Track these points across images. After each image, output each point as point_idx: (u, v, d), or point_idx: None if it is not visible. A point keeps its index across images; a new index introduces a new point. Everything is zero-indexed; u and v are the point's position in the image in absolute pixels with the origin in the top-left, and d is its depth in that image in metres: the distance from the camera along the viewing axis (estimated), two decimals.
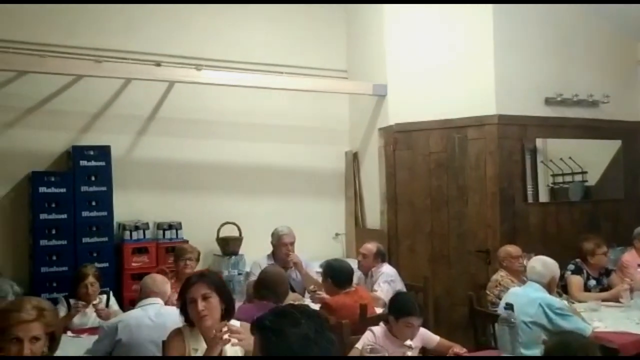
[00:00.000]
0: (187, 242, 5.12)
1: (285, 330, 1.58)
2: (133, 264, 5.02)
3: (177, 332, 2.57)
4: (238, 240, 5.52)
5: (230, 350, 2.53)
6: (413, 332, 2.93)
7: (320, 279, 4.60)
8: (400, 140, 5.59)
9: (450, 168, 5.38)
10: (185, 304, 2.54)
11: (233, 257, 5.44)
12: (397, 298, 3.09)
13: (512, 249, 4.39)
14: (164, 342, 2.86)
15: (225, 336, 2.39)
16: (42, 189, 4.69)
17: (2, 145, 4.86)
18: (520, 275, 4.27)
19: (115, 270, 4.94)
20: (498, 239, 5.06)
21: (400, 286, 4.37)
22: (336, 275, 3.70)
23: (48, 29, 4.96)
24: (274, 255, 4.81)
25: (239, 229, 5.51)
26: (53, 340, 2.27)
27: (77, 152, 4.87)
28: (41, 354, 2.23)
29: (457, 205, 5.33)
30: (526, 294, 3.53)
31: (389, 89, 5.68)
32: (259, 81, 5.43)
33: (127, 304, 4.63)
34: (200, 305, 2.47)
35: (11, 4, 4.83)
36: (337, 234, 6.35)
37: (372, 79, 5.80)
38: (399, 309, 2.95)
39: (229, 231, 5.52)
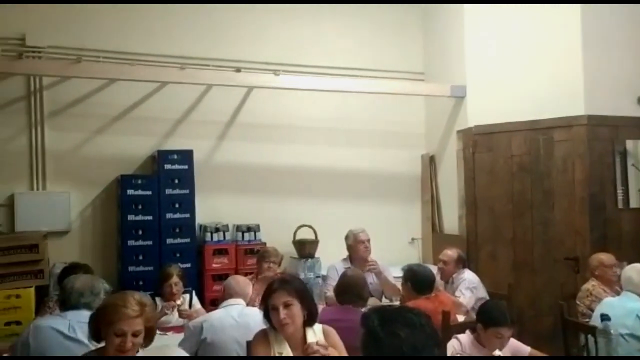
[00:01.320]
0: (264, 244, 5.20)
1: (394, 330, 1.53)
2: (214, 265, 5.15)
3: (263, 335, 2.59)
4: (314, 243, 5.54)
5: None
6: (502, 343, 2.81)
7: (397, 284, 4.57)
8: (480, 143, 5.42)
9: (534, 171, 5.16)
10: (268, 309, 2.55)
11: (309, 259, 5.45)
12: (487, 306, 2.97)
13: (605, 257, 4.14)
14: (248, 343, 2.91)
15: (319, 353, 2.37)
16: (130, 192, 4.89)
17: (94, 150, 5.13)
18: (613, 285, 4.02)
19: (196, 270, 5.07)
20: (588, 246, 4.79)
21: (482, 293, 4.23)
22: (417, 279, 3.62)
23: (135, 38, 5.18)
24: (350, 258, 4.78)
25: (314, 232, 5.53)
26: (148, 334, 2.38)
27: (161, 156, 5.05)
28: (139, 347, 2.34)
29: (542, 210, 5.10)
30: (622, 305, 3.32)
31: (468, 90, 5.53)
32: (335, 85, 5.44)
33: (207, 304, 4.76)
34: (282, 313, 2.48)
35: (101, 16, 5.09)
36: (412, 239, 6.25)
37: (450, 80, 5.67)
38: (488, 318, 2.84)
39: (305, 234, 5.55)
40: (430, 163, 6.14)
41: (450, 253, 4.44)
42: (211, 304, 4.87)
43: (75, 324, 2.80)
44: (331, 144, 5.90)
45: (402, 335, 1.52)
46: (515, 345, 2.92)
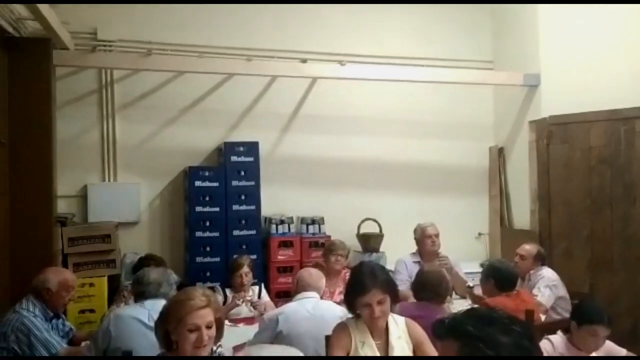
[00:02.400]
0: (329, 237, 5.14)
1: (496, 339, 1.40)
2: (279, 257, 5.13)
3: (343, 327, 2.55)
4: (379, 237, 5.44)
5: (397, 344, 2.46)
6: (597, 343, 2.65)
7: (467, 280, 4.42)
8: (555, 134, 5.17)
9: (614, 164, 4.88)
10: (354, 303, 2.49)
11: (374, 253, 5.36)
12: (583, 303, 2.81)
13: None
14: (327, 337, 2.84)
15: None
16: (198, 183, 4.92)
17: (162, 142, 5.19)
18: None
19: (262, 262, 5.07)
20: None
21: (562, 292, 4.02)
22: (500, 276, 3.47)
23: (203, 31, 5.20)
24: (419, 252, 4.66)
25: (379, 226, 5.43)
26: (218, 328, 2.29)
27: (228, 148, 5.06)
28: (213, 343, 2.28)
29: (622, 205, 4.82)
30: None
31: (542, 79, 5.29)
32: (402, 74, 5.30)
33: (273, 296, 4.74)
34: (377, 311, 2.46)
35: (169, 10, 5.13)
36: (479, 234, 6.06)
37: (522, 68, 5.44)
38: (583, 315, 2.69)
39: (369, 228, 5.46)
40: (499, 155, 5.91)
41: (529, 248, 4.23)
42: (277, 296, 4.87)
43: (154, 313, 2.79)
44: (396, 136, 5.78)
45: (502, 340, 1.39)
46: (610, 348, 2.74)
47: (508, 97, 5.73)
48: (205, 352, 2.21)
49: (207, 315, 2.19)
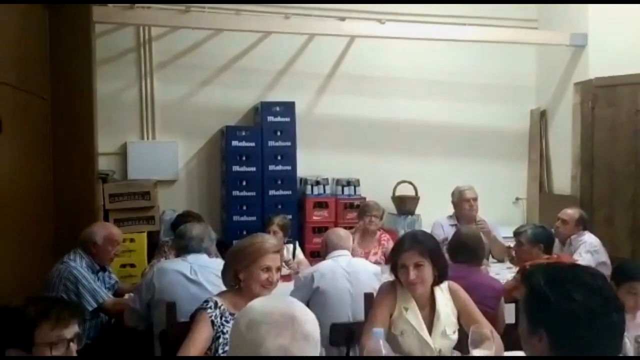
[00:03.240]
0: (364, 199, 5.12)
1: (572, 295, 1.35)
2: (314, 218, 5.16)
3: (390, 287, 2.49)
4: (415, 199, 5.40)
5: (442, 310, 2.42)
6: (637, 302, 2.58)
7: (504, 244, 4.37)
8: (601, 97, 4.99)
9: None
10: (396, 265, 2.45)
11: (409, 216, 5.34)
12: (623, 263, 2.75)
13: None
14: (366, 294, 2.85)
15: None
16: (235, 143, 4.94)
17: (199, 101, 5.20)
18: None
19: (297, 222, 5.09)
20: None
21: (604, 258, 3.92)
22: (548, 239, 3.42)
23: None
24: (456, 216, 4.61)
25: (415, 189, 5.38)
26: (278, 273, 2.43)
27: (264, 108, 5.05)
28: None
29: None
30: None
31: (589, 39, 5.08)
32: (442, 33, 5.15)
33: (308, 256, 4.77)
34: (412, 274, 2.35)
35: None
36: (517, 199, 5.96)
37: (568, 27, 5.23)
38: (623, 274, 2.62)
39: (404, 190, 5.42)
40: (541, 118, 5.75)
41: (572, 212, 4.13)
42: (311, 255, 4.90)
43: (196, 268, 2.87)
44: (435, 98, 5.66)
45: (578, 298, 1.34)
46: None
47: (553, 58, 5.54)
48: (269, 293, 2.32)
49: (277, 260, 2.36)
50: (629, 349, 2.10)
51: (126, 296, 3.36)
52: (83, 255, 3.24)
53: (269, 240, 2.40)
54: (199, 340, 2.19)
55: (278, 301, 1.36)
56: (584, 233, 4.07)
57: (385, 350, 1.79)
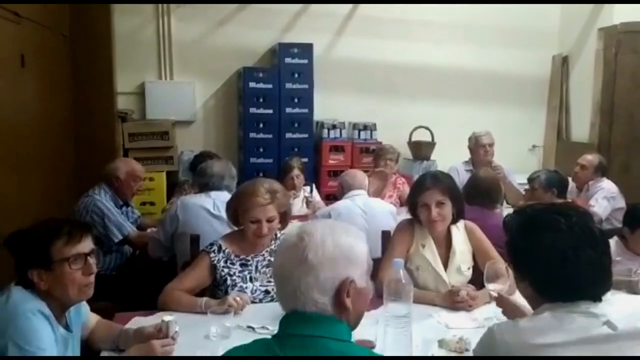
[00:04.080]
0: (380, 143, 5.13)
1: (539, 238, 1.38)
2: (330, 161, 5.19)
3: (408, 224, 2.54)
4: (431, 145, 5.40)
5: (458, 247, 2.47)
6: None
7: (520, 190, 4.39)
8: (625, 43, 4.88)
9: None
10: (415, 205, 2.48)
11: (425, 162, 5.35)
12: (636, 208, 2.75)
13: None
14: (383, 232, 2.91)
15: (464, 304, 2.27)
16: (252, 84, 4.93)
17: (217, 41, 5.16)
18: None
19: (313, 166, 5.14)
20: None
21: (621, 204, 3.93)
22: (563, 184, 3.44)
23: None
24: (472, 161, 4.62)
25: (431, 134, 5.38)
26: (283, 219, 2.42)
27: (282, 49, 5.00)
28: (277, 231, 2.41)
29: None
30: None
31: None
32: None
33: (323, 198, 4.83)
34: (434, 212, 2.38)
35: None
36: (534, 146, 5.94)
37: None
38: (635, 218, 2.64)
39: (421, 135, 5.41)
40: (563, 64, 5.66)
41: (591, 158, 4.12)
42: (326, 198, 4.96)
43: (219, 203, 2.93)
44: (455, 42, 5.57)
45: (547, 242, 1.37)
46: None
47: (576, 3, 5.38)
48: (266, 240, 2.36)
49: (269, 211, 2.30)
50: None
51: (149, 230, 3.46)
52: (107, 189, 3.32)
53: (262, 192, 2.31)
54: (191, 279, 2.27)
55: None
56: (602, 179, 4.07)
57: (404, 279, 1.85)
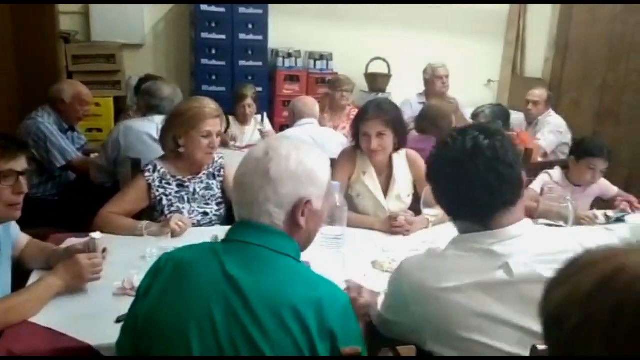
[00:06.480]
0: (336, 74, 5.05)
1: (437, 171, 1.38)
2: (285, 91, 5.11)
3: (350, 151, 2.55)
4: (387, 77, 5.37)
5: (399, 175, 2.50)
6: (594, 177, 2.71)
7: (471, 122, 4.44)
8: None
9: (639, 12, 4.63)
10: (358, 133, 2.48)
11: (380, 94, 5.32)
12: (584, 139, 2.83)
13: None
14: (330, 160, 2.91)
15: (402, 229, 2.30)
16: (204, 7, 4.72)
17: None
18: None
19: (268, 95, 5.05)
20: None
21: (567, 139, 4.04)
22: (508, 116, 3.49)
23: None
24: (426, 93, 4.62)
25: (388, 66, 5.32)
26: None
27: None
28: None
29: None
30: None
31: None
32: None
33: (277, 129, 4.79)
34: (374, 142, 2.39)
35: None
36: (489, 81, 5.97)
37: None
38: (583, 149, 2.72)
39: (377, 67, 5.36)
40: None
41: (540, 93, 4.17)
42: (280, 129, 4.92)
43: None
44: None
45: (441, 158, 1.35)
46: (604, 184, 2.82)
47: None
48: (210, 159, 2.33)
49: (218, 125, 2.30)
50: (570, 213, 2.19)
51: (92, 156, 3.37)
52: (51, 112, 3.21)
53: (209, 104, 2.30)
54: (127, 200, 2.24)
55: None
56: (551, 113, 4.15)
57: (339, 202, 1.87)
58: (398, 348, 2.49)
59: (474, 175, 1.28)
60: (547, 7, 5.17)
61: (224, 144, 3.68)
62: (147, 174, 2.28)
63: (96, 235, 1.78)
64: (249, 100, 4.18)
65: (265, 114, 4.48)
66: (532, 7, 5.53)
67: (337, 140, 3.42)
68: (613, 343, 0.56)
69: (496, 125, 1.46)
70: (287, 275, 1.17)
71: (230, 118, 4.23)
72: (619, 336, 0.56)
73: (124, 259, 1.88)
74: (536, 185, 2.73)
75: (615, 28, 4.75)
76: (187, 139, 2.26)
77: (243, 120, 4.25)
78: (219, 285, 1.12)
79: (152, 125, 2.89)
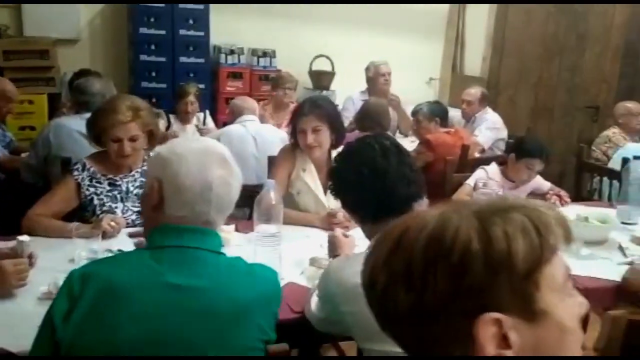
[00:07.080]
0: (279, 71, 5.03)
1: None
2: (228, 88, 5.03)
3: (290, 149, 2.54)
4: (330, 74, 5.38)
5: None
6: (530, 176, 2.81)
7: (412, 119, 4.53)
8: None
9: (570, 12, 4.84)
10: (295, 130, 2.47)
11: (324, 91, 5.34)
12: (525, 137, 2.94)
13: (633, 106, 4.03)
14: (270, 157, 2.90)
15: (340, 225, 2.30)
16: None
17: None
18: (634, 135, 3.98)
19: (210, 92, 4.97)
20: (612, 96, 4.67)
21: (503, 135, 4.18)
22: (445, 113, 3.58)
23: None
24: (369, 91, 4.67)
25: (332, 64, 5.34)
26: (152, 138, 2.29)
27: None
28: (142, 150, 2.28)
29: (572, 56, 4.88)
30: None
31: None
32: None
33: (219, 126, 4.73)
34: (310, 138, 2.39)
35: None
36: (430, 79, 6.07)
37: None
38: (524, 149, 2.80)
39: (321, 65, 5.36)
40: None
41: (474, 92, 4.30)
42: (224, 126, 4.85)
43: None
44: None
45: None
46: (537, 180, 2.92)
47: None
48: (130, 161, 2.24)
49: (131, 130, 2.17)
50: None
51: (23, 155, 3.24)
52: None
53: (122, 110, 2.16)
54: (55, 201, 2.17)
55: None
56: (487, 110, 4.28)
57: (274, 200, 1.86)
58: (340, 344, 2.52)
59: (389, 169, 1.37)
60: (485, 7, 5.31)
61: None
62: (75, 172, 2.20)
63: (24, 238, 1.71)
64: (191, 98, 4.12)
65: (207, 112, 4.43)
66: (470, 7, 5.66)
67: (278, 136, 3.41)
68: (412, 290, 0.68)
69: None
70: (229, 275, 1.22)
71: (171, 116, 4.16)
72: (414, 282, 0.68)
73: (52, 262, 1.81)
74: (470, 180, 2.80)
75: (549, 28, 4.94)
76: (104, 140, 2.21)
77: (184, 119, 4.17)
78: (163, 297, 1.13)
79: (83, 122, 2.78)
